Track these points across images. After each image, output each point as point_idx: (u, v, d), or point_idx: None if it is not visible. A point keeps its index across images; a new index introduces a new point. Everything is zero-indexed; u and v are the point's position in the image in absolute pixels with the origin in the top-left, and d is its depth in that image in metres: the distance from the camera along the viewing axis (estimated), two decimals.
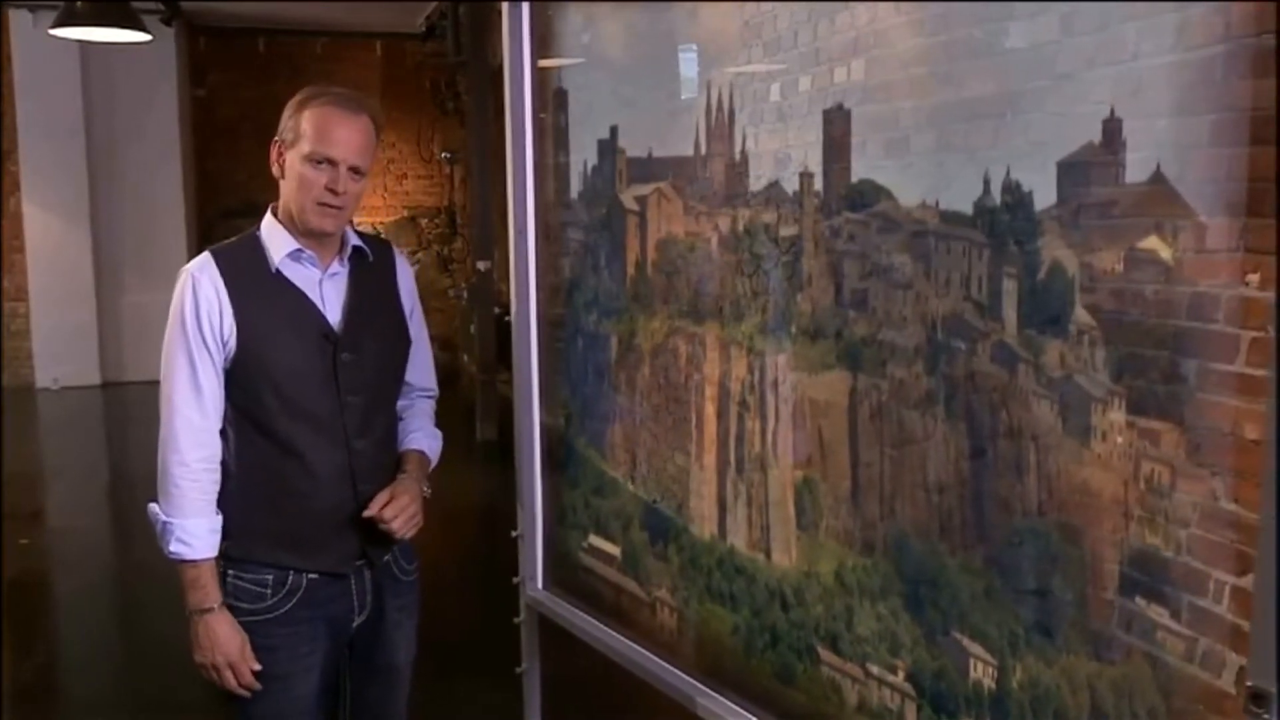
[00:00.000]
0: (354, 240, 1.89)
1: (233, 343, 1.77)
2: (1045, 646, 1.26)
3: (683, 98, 1.86)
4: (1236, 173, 1.03)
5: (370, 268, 1.91)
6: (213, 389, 1.78)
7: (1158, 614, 1.13)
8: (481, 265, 6.81)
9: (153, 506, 1.80)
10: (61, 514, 5.75)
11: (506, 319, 2.75)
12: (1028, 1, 1.23)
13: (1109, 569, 1.18)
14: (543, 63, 2.19)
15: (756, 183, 1.68)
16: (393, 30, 9.24)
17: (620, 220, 2.03)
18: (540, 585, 2.29)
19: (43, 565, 4.86)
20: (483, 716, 3.19)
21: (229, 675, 1.79)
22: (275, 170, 1.82)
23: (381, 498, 1.83)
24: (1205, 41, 1.05)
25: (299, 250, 1.81)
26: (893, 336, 1.44)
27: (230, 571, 1.82)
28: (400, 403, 2.01)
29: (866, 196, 1.48)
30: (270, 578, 1.82)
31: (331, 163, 1.76)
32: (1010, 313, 1.28)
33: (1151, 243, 1.12)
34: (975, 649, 1.35)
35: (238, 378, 1.79)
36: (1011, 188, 1.26)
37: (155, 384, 1.83)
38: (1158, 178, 1.11)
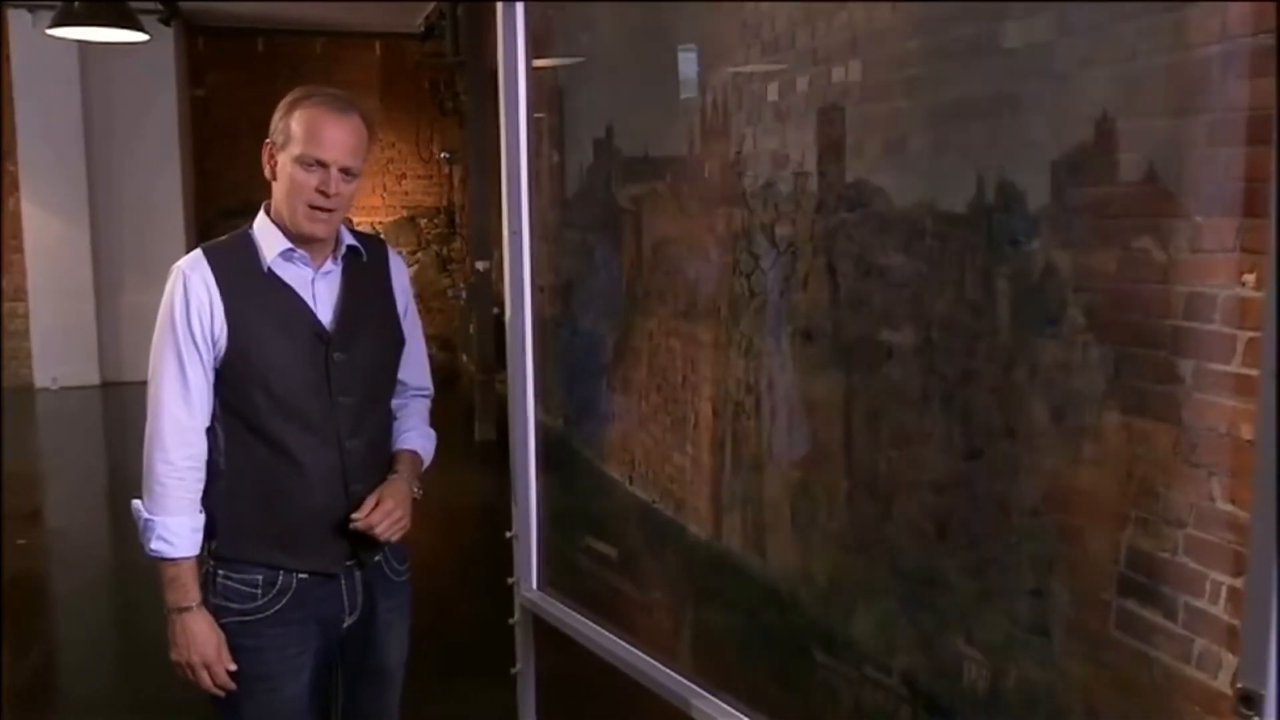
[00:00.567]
0: (347, 239, 1.88)
1: (223, 341, 1.77)
2: (1042, 648, 1.26)
3: (680, 97, 1.86)
4: (1233, 173, 1.03)
5: (364, 266, 1.91)
6: (200, 388, 1.77)
7: (1154, 615, 1.13)
8: (480, 265, 6.81)
9: (136, 503, 1.80)
10: (60, 514, 5.75)
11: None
12: (1025, 1, 1.23)
13: (1106, 569, 1.18)
14: (538, 62, 2.18)
15: (753, 183, 1.68)
16: (392, 30, 9.24)
17: (616, 220, 2.03)
18: (535, 586, 2.29)
19: (41, 565, 4.86)
20: (481, 717, 3.18)
21: (204, 675, 1.78)
22: (268, 172, 1.81)
23: (369, 502, 1.82)
24: (1202, 41, 1.05)
25: (291, 249, 1.81)
26: (889, 337, 1.44)
27: (220, 571, 1.82)
28: (395, 402, 2.00)
29: (863, 196, 1.47)
30: (260, 578, 1.81)
31: (322, 164, 1.75)
32: (1005, 313, 1.28)
33: (1147, 243, 1.11)
34: (971, 651, 1.35)
35: (228, 377, 1.78)
36: (1007, 188, 1.26)
37: None
38: (1154, 178, 1.10)
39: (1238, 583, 1.05)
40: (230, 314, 1.76)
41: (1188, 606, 1.10)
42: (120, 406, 7.97)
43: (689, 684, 1.86)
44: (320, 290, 1.84)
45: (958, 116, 1.33)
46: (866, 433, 1.49)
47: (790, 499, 1.64)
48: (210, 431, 1.80)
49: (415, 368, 2.03)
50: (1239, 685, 1.00)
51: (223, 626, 1.80)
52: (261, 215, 1.84)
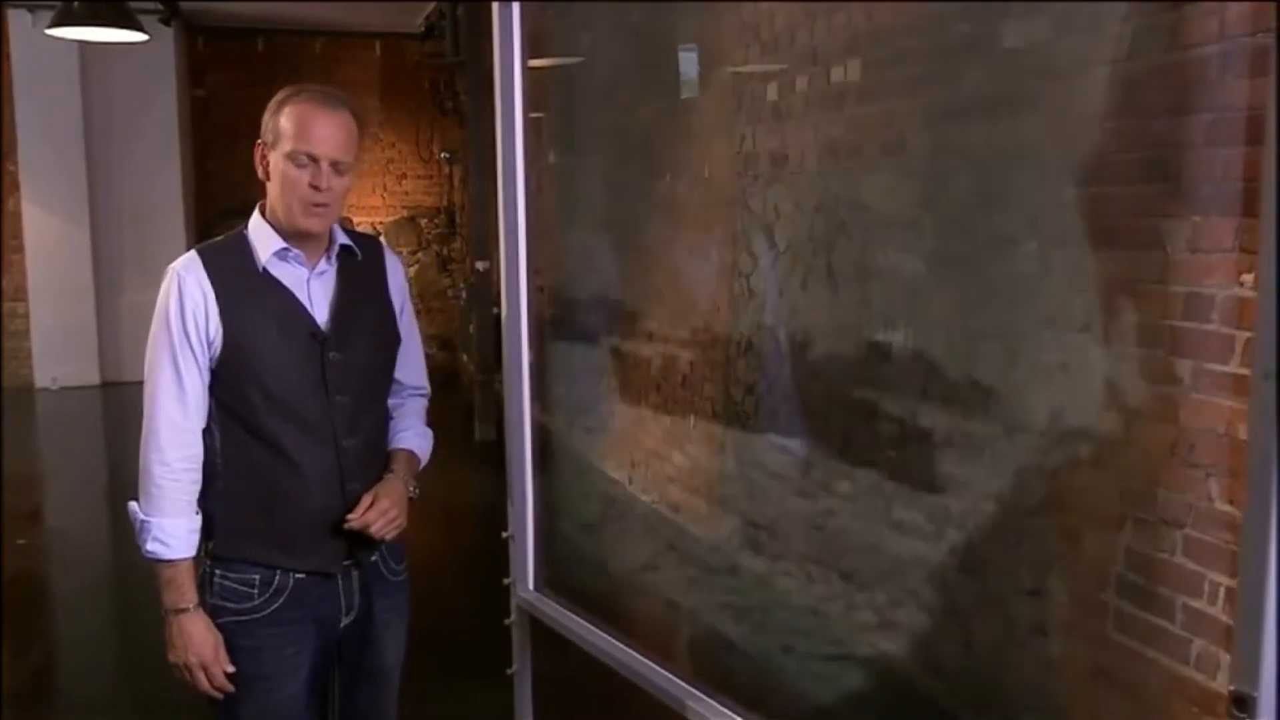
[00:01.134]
0: (341, 238, 1.88)
1: (218, 342, 1.76)
2: (1042, 647, 1.26)
3: (681, 98, 1.85)
4: (1232, 173, 1.03)
5: (359, 266, 1.90)
6: (196, 389, 1.77)
7: (1152, 616, 1.13)
8: (480, 265, 6.80)
9: (132, 505, 1.80)
10: (60, 514, 5.75)
11: None
12: (1024, 1, 1.23)
13: (1105, 570, 1.18)
14: (534, 63, 2.18)
15: (753, 182, 1.68)
16: (392, 30, 9.23)
17: (615, 220, 2.03)
18: (531, 587, 2.29)
19: (41, 565, 4.85)
20: (480, 717, 3.18)
21: (201, 676, 1.78)
22: (261, 173, 1.81)
23: (364, 501, 1.82)
24: (1201, 41, 1.05)
25: (286, 249, 1.81)
26: (890, 336, 1.44)
27: (217, 571, 1.82)
28: (391, 401, 2.00)
29: (863, 196, 1.47)
30: (257, 578, 1.81)
31: (313, 159, 1.75)
32: (1007, 310, 1.27)
33: (1147, 242, 1.11)
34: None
35: (224, 377, 1.78)
36: (1006, 187, 1.26)
37: None
38: (1153, 177, 1.10)
39: (1236, 583, 1.04)
40: (225, 314, 1.76)
41: (1186, 607, 1.10)
42: (120, 406, 7.97)
43: (684, 685, 1.86)
44: (315, 290, 1.84)
45: (956, 116, 1.32)
46: (865, 433, 1.49)
47: (788, 499, 1.64)
48: (206, 432, 1.80)
49: (412, 367, 2.03)
50: (1231, 688, 1.00)
51: (220, 626, 1.80)
52: (256, 215, 1.84)
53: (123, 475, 6.26)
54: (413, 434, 2.00)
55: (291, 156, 1.75)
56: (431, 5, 8.17)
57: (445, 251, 10.20)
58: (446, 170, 10.04)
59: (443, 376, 8.58)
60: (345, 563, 1.88)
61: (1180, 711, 1.11)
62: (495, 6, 2.15)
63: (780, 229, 1.62)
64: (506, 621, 2.34)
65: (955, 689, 1.39)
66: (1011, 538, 1.28)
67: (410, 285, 2.06)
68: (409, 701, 2.07)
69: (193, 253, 1.82)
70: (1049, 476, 1.24)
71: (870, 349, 1.47)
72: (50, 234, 8.48)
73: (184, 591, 1.78)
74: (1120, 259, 1.14)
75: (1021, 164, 1.24)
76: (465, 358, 8.37)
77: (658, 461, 1.93)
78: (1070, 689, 1.23)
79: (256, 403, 1.78)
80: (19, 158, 8.41)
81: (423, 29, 8.73)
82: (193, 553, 1.79)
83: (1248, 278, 1.01)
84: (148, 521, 1.76)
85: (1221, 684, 1.07)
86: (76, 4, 5.77)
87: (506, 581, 2.33)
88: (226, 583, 1.82)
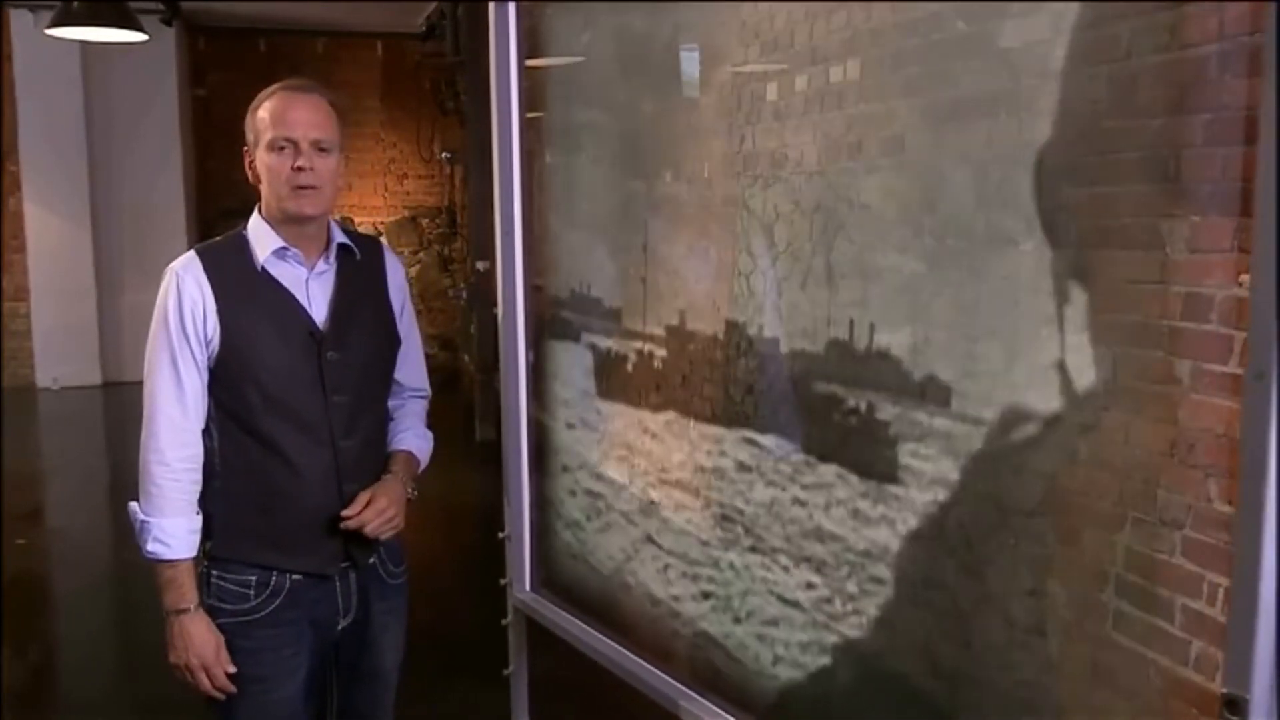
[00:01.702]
0: (339, 238, 1.88)
1: (217, 341, 1.77)
2: (1040, 647, 1.26)
3: (681, 97, 1.85)
4: (1231, 172, 1.03)
5: (358, 266, 1.90)
6: (195, 388, 1.77)
7: (1151, 617, 1.13)
8: (480, 265, 6.80)
9: (132, 505, 1.80)
10: (61, 514, 5.75)
11: None
12: (1025, 1, 1.22)
13: (1103, 570, 1.18)
14: (531, 62, 2.18)
15: (753, 182, 1.67)
16: (393, 30, 9.23)
17: (614, 219, 2.02)
18: (528, 587, 2.29)
19: (42, 565, 4.86)
20: (480, 717, 3.18)
21: (203, 677, 1.79)
22: (251, 176, 1.82)
23: (361, 499, 1.82)
24: (1199, 40, 1.05)
25: (284, 248, 1.81)
26: (889, 338, 1.43)
27: (214, 572, 1.82)
28: (391, 402, 2.00)
29: (863, 196, 1.47)
30: (253, 578, 1.81)
31: (292, 142, 1.75)
32: (1005, 311, 1.27)
33: (1145, 242, 1.11)
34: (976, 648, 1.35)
35: (222, 376, 1.78)
36: (1006, 187, 1.25)
37: None
38: (1152, 177, 1.10)
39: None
40: (224, 314, 1.76)
41: (1185, 608, 1.09)
42: (121, 406, 7.97)
43: (679, 686, 1.86)
44: (314, 290, 1.84)
45: (956, 115, 1.32)
46: (864, 433, 1.49)
47: (788, 500, 1.64)
48: (205, 432, 1.80)
49: (412, 368, 2.02)
50: (1223, 690, 1.00)
51: (218, 627, 1.80)
52: (255, 215, 1.84)
53: (124, 475, 6.26)
54: (412, 435, 2.00)
55: (272, 145, 1.76)
56: (432, 5, 8.18)
57: (446, 251, 10.20)
58: (447, 170, 10.05)
59: (444, 376, 8.60)
60: (342, 565, 1.88)
61: (1179, 713, 1.11)
62: (491, 6, 2.15)
63: (779, 229, 1.62)
64: (504, 622, 2.34)
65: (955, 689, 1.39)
66: (1009, 537, 1.28)
67: (411, 285, 2.06)
68: (408, 701, 2.07)
69: (191, 252, 1.82)
70: (1047, 476, 1.24)
71: (870, 348, 1.46)
72: (52, 234, 8.49)
73: (184, 592, 1.78)
74: (1119, 259, 1.14)
75: (1017, 163, 1.24)
76: (466, 358, 8.37)
77: (658, 462, 1.93)
78: (1069, 689, 1.23)
79: (254, 402, 1.78)
80: (20, 157, 8.42)
81: (424, 29, 8.73)
82: (193, 553, 1.79)
83: (1246, 278, 1.01)
84: (148, 522, 1.76)
85: (1220, 685, 1.06)
86: (76, 4, 5.77)
87: (503, 582, 2.33)
88: (223, 584, 1.82)
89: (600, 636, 2.05)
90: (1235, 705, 0.98)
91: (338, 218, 1.95)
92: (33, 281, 8.57)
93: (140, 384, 1.81)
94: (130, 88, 8.52)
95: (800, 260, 1.58)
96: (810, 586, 1.59)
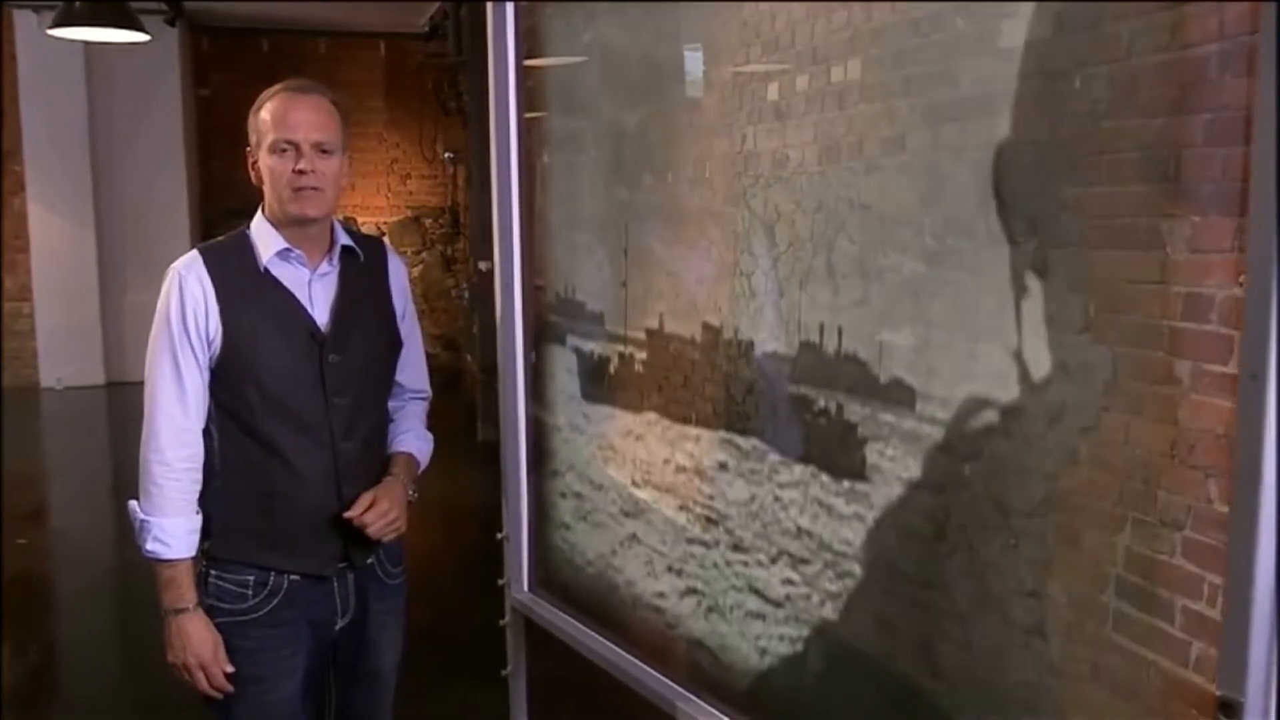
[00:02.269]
0: (343, 239, 1.88)
1: (218, 341, 1.77)
2: (1040, 649, 1.25)
3: (682, 96, 1.85)
4: (1231, 172, 1.02)
5: (361, 268, 1.90)
6: (196, 388, 1.77)
7: (1152, 618, 1.12)
8: (483, 265, 6.80)
9: (132, 504, 1.80)
10: (63, 514, 5.76)
11: None
12: (1025, 1, 1.22)
13: (1103, 571, 1.17)
14: (529, 62, 2.18)
15: (754, 182, 1.67)
16: (396, 30, 9.25)
17: (615, 219, 2.02)
18: (526, 588, 2.28)
19: (43, 565, 4.86)
20: (479, 717, 3.18)
21: (200, 676, 1.79)
22: (254, 178, 1.82)
23: (364, 500, 1.82)
24: (1199, 40, 1.04)
25: (288, 249, 1.81)
26: (890, 338, 1.43)
27: (212, 571, 1.82)
28: (391, 404, 2.00)
29: (864, 196, 1.47)
30: (251, 579, 1.81)
31: (294, 145, 1.75)
32: (1006, 311, 1.27)
33: (1145, 242, 1.11)
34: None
35: (223, 377, 1.79)
36: (1006, 187, 1.25)
37: None
38: (1152, 177, 1.10)
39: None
40: (225, 314, 1.76)
41: (1185, 609, 1.09)
42: (125, 407, 7.97)
43: (677, 687, 1.85)
44: (317, 291, 1.84)
45: (956, 115, 1.32)
46: (864, 433, 1.49)
47: (789, 500, 1.64)
48: (205, 432, 1.80)
49: (413, 370, 2.02)
50: (1219, 693, 0.99)
51: (216, 627, 1.80)
52: (258, 216, 1.84)
53: (126, 475, 6.25)
54: (413, 437, 2.00)
55: (273, 147, 1.76)
56: (435, 5, 8.19)
57: (449, 251, 10.21)
58: (450, 170, 10.05)
59: (446, 376, 8.60)
60: (340, 565, 1.88)
61: (1179, 714, 1.10)
62: (489, 6, 2.15)
63: (780, 228, 1.62)
64: (501, 622, 2.33)
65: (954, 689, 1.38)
66: (1010, 538, 1.28)
67: (414, 285, 2.07)
68: (407, 701, 2.07)
69: (194, 252, 1.82)
70: (1047, 477, 1.23)
71: (874, 348, 1.46)
72: (55, 234, 8.51)
73: (183, 591, 1.78)
74: (1119, 259, 1.14)
75: (1017, 162, 1.23)
76: (469, 358, 8.38)
77: (659, 462, 1.93)
78: (1069, 690, 1.23)
79: (254, 403, 1.78)
80: (24, 158, 8.44)
81: (426, 29, 8.74)
82: (192, 552, 1.79)
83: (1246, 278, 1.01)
84: (147, 521, 1.77)
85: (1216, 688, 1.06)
86: (78, 4, 5.78)
87: (501, 582, 2.33)
88: (221, 583, 1.82)
89: (597, 637, 2.05)
90: (1230, 709, 0.97)
91: (340, 218, 1.95)
92: (36, 281, 8.58)
93: (143, 384, 1.81)
94: (133, 88, 8.54)
95: (801, 260, 1.57)
96: (788, 582, 1.59)
